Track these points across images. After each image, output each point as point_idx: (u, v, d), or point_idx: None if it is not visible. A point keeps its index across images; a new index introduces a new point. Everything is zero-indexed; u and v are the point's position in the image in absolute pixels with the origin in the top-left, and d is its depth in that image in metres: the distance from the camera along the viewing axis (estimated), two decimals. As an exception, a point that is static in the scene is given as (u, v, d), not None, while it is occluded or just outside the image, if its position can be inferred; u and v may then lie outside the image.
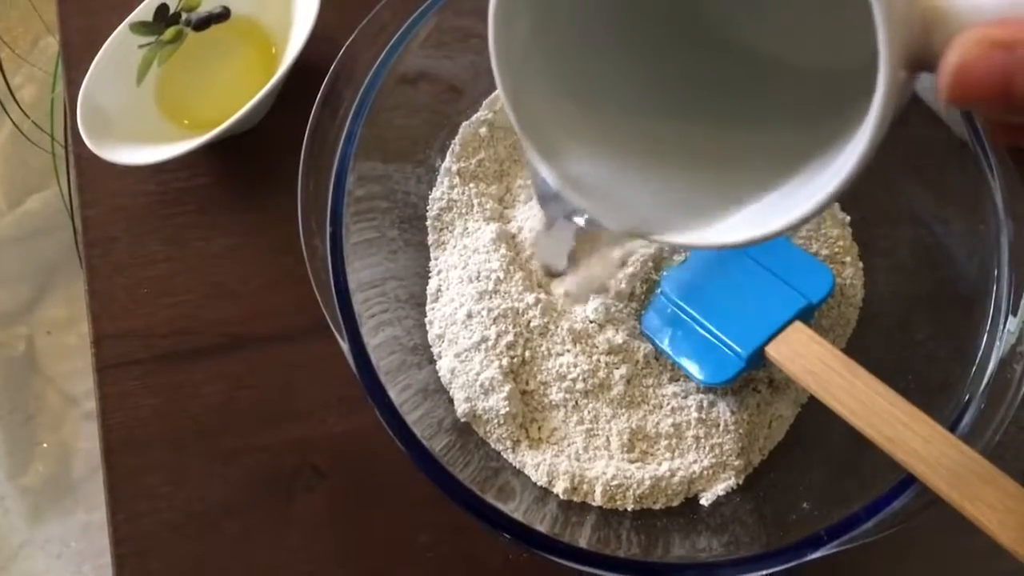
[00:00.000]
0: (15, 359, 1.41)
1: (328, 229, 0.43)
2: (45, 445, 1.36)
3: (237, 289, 0.55)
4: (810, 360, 0.44)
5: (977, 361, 0.43)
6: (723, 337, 0.47)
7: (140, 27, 0.54)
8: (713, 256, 0.50)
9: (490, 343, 0.48)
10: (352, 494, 0.53)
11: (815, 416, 0.49)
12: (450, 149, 0.53)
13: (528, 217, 0.51)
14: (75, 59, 0.57)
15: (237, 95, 0.53)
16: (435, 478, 0.41)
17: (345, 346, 0.42)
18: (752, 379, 0.50)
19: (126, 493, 0.53)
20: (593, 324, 0.49)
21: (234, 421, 0.54)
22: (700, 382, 0.48)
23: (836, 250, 0.51)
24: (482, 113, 0.53)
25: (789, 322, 0.46)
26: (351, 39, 0.46)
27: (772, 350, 0.46)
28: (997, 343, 0.44)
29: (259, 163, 0.57)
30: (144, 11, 0.54)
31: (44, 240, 1.43)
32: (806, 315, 0.47)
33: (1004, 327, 0.44)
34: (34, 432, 1.38)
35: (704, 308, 0.49)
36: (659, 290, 0.50)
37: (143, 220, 0.56)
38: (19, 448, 1.37)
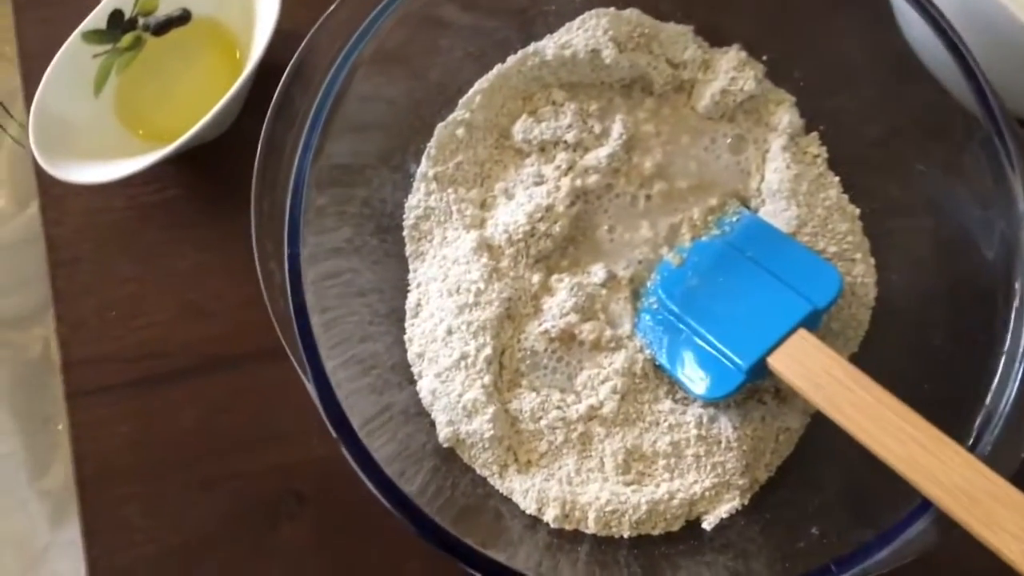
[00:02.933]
0: (32, 361, 1.41)
1: (286, 251, 0.40)
2: (64, 447, 1.36)
3: (211, 307, 0.53)
4: (816, 372, 0.41)
5: (1000, 370, 0.39)
6: (722, 347, 0.44)
7: (93, 35, 0.51)
8: (711, 256, 0.47)
9: (470, 359, 0.45)
10: (337, 520, 0.50)
11: (826, 428, 0.45)
12: (425, 153, 0.49)
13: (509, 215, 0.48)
14: (35, 72, 0.54)
15: (202, 101, 0.50)
16: (411, 520, 0.38)
17: (310, 387, 0.39)
18: (756, 389, 0.46)
19: (102, 526, 0.50)
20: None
21: (212, 447, 0.51)
22: (698, 397, 0.44)
23: (845, 247, 0.47)
24: (459, 113, 0.49)
25: (793, 330, 0.42)
26: (305, 41, 0.43)
27: (775, 361, 0.42)
28: (1023, 346, 0.40)
29: (230, 171, 0.54)
30: (96, 18, 0.51)
31: (54, 241, 1.42)
32: (812, 321, 0.43)
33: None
34: (53, 435, 1.37)
35: (701, 315, 0.45)
36: (651, 291, 0.47)
37: (110, 238, 0.54)
38: (39, 451, 1.37)
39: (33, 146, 0.49)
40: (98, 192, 0.54)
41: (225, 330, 0.52)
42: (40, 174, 0.53)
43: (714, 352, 0.44)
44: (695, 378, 0.44)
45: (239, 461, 0.51)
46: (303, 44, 0.44)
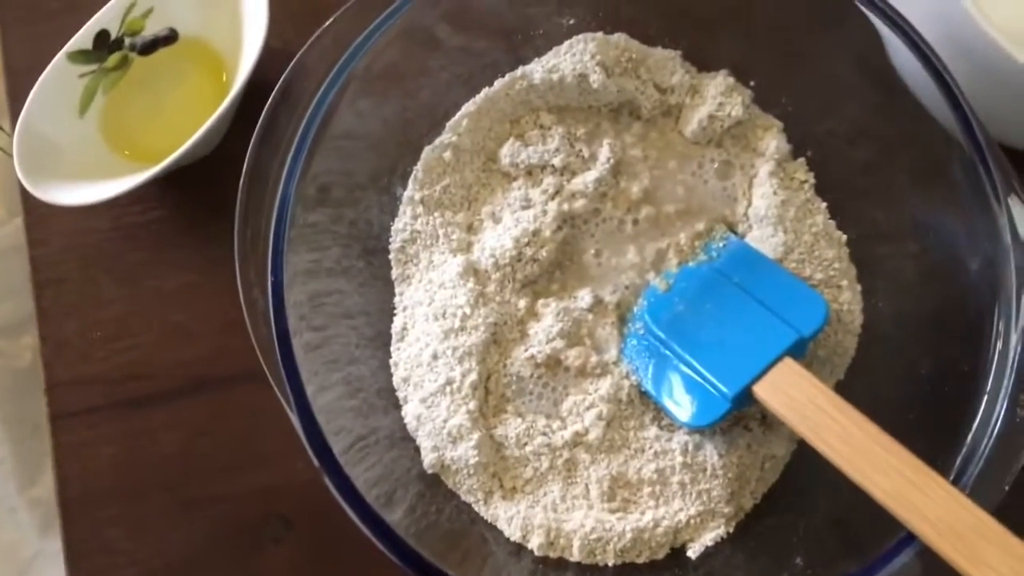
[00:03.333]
0: (21, 371, 1.39)
1: (269, 278, 0.40)
2: (54, 457, 1.35)
3: (196, 329, 0.52)
4: (801, 402, 0.41)
5: (982, 408, 0.39)
6: (707, 375, 0.44)
7: (79, 56, 0.50)
8: (697, 282, 0.47)
9: (455, 385, 0.45)
10: (322, 545, 0.50)
11: (812, 455, 0.45)
12: (412, 176, 0.49)
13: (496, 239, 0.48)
14: (21, 90, 0.54)
15: (189, 121, 0.50)
16: (393, 551, 0.38)
17: (293, 416, 0.39)
18: (742, 416, 0.46)
19: (84, 549, 0.50)
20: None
21: (196, 469, 0.51)
22: (683, 424, 0.44)
23: (832, 273, 0.47)
24: (446, 136, 0.49)
25: (779, 358, 0.42)
26: (292, 63, 0.43)
27: (761, 390, 0.42)
28: (1007, 373, 0.40)
29: (217, 192, 0.53)
30: (82, 39, 0.51)
31: (44, 250, 1.41)
32: (798, 349, 0.43)
33: (1014, 357, 0.40)
34: (43, 443, 1.36)
35: (687, 341, 0.45)
36: (638, 317, 0.47)
37: (95, 259, 0.53)
38: (29, 460, 1.36)
39: (18, 167, 0.48)
40: (83, 212, 0.54)
41: (210, 352, 0.52)
42: (23, 191, 0.53)
43: (700, 379, 0.44)
44: (680, 405, 0.44)
45: (223, 484, 0.51)
46: (290, 66, 0.44)
